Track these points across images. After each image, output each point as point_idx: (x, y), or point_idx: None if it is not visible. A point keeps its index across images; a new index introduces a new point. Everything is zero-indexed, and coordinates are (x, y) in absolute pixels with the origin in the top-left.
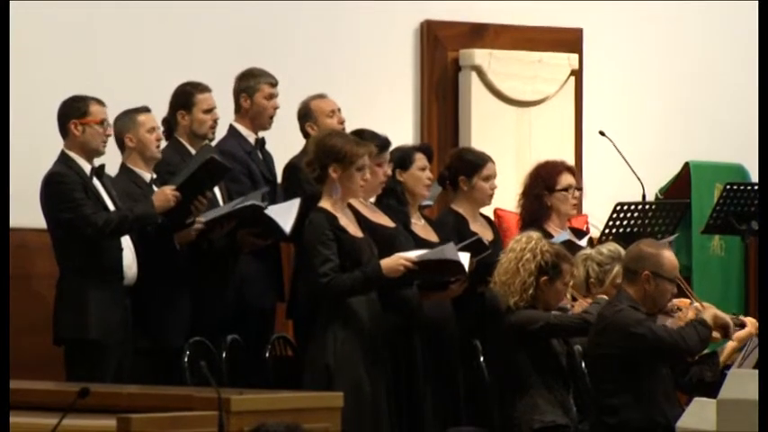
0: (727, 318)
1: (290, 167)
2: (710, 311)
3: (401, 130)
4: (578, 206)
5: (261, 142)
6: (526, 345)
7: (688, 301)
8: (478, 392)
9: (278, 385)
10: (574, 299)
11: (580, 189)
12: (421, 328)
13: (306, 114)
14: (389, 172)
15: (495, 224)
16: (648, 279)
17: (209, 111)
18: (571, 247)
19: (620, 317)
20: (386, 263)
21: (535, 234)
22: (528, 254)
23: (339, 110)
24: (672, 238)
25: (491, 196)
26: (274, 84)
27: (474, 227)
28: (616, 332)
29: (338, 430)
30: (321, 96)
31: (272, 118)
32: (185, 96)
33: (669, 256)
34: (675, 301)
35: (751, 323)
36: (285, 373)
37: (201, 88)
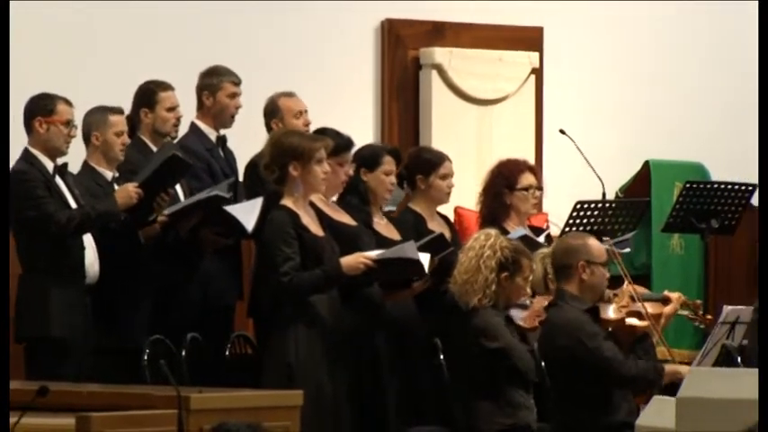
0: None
1: (252, 165)
2: (673, 369)
3: (362, 128)
4: (538, 206)
5: (222, 140)
6: (483, 353)
7: (618, 289)
8: (440, 392)
9: (238, 384)
10: (533, 294)
11: (541, 189)
12: (384, 326)
13: (273, 111)
14: (351, 172)
15: (452, 223)
16: (584, 268)
17: (172, 109)
18: (528, 242)
19: (570, 323)
20: (346, 261)
21: (493, 231)
22: (488, 251)
23: (306, 111)
24: (630, 234)
25: (448, 194)
26: (237, 83)
27: (432, 225)
28: (566, 336)
29: (298, 429)
30: (290, 95)
31: (233, 117)
32: (148, 94)
33: (594, 242)
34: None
35: (675, 298)
36: (245, 371)
37: (164, 86)
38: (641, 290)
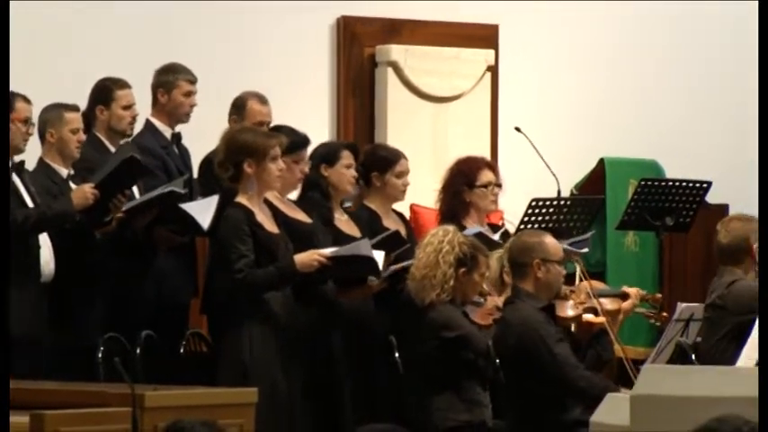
0: None
1: (207, 162)
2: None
3: (317, 126)
4: (496, 203)
5: (177, 137)
6: (441, 345)
7: (575, 285)
8: (395, 389)
9: (193, 381)
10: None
11: (500, 185)
12: (339, 323)
13: (239, 108)
14: (307, 170)
15: (407, 220)
16: (540, 266)
17: (128, 107)
18: (483, 240)
19: (525, 322)
20: (300, 258)
21: (450, 227)
22: (446, 246)
23: (269, 123)
24: (588, 235)
25: (403, 192)
26: (193, 81)
27: (387, 222)
28: (521, 335)
29: (252, 426)
30: (263, 101)
31: (188, 114)
32: (105, 92)
33: (552, 240)
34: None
35: (633, 293)
36: (200, 368)
37: (121, 84)
38: (600, 285)
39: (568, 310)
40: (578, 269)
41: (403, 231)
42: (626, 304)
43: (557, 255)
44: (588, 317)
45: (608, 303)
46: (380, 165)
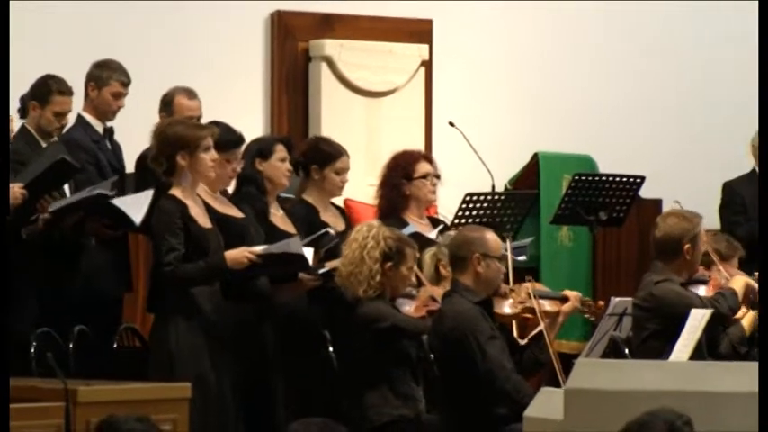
0: None
1: (144, 158)
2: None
3: (251, 120)
4: (435, 194)
5: (109, 132)
6: (374, 338)
7: (518, 284)
8: (328, 384)
9: (126, 376)
10: (419, 284)
11: (438, 176)
12: (272, 318)
13: (167, 104)
14: (239, 169)
15: (346, 214)
16: (479, 261)
17: (61, 115)
18: (420, 239)
19: (459, 316)
20: (230, 255)
21: (375, 222)
22: (371, 241)
23: (198, 118)
24: (528, 241)
25: (341, 189)
26: (126, 83)
27: (325, 216)
28: (455, 329)
29: (186, 421)
30: (191, 96)
31: (114, 113)
32: (44, 91)
33: (493, 236)
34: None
35: (573, 297)
36: (133, 363)
37: (62, 90)
38: (541, 287)
39: (507, 308)
40: (509, 267)
41: (342, 225)
42: (565, 307)
43: (497, 251)
44: (527, 317)
45: (548, 305)
46: (321, 159)
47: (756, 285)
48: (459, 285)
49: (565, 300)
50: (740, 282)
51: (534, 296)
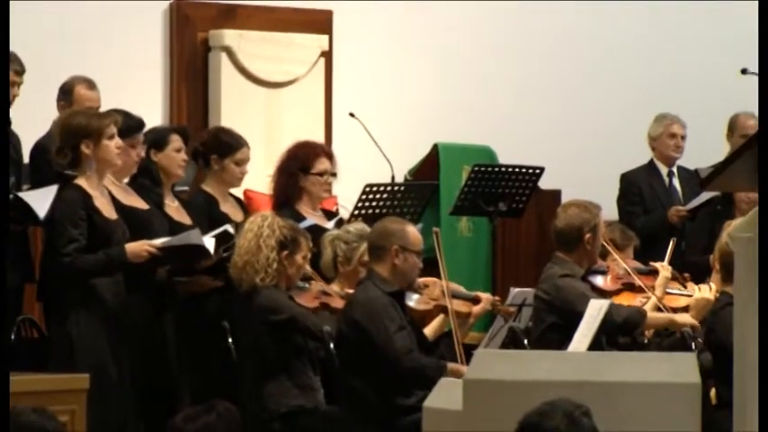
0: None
1: (38, 147)
2: (459, 369)
3: (151, 110)
4: (330, 191)
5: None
6: (272, 329)
7: (433, 279)
8: (228, 374)
9: (24, 367)
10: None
11: (334, 175)
12: (172, 309)
13: (66, 94)
14: (143, 153)
15: (245, 204)
16: (397, 253)
17: None
18: (317, 231)
19: (372, 303)
20: (130, 248)
21: (268, 212)
22: (266, 230)
23: (98, 108)
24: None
25: (240, 180)
26: (20, 72)
27: (224, 207)
28: (363, 315)
29: (84, 412)
30: (90, 86)
31: (10, 102)
32: None
33: (413, 230)
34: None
35: (485, 299)
36: (31, 354)
37: None
38: (455, 286)
39: (419, 303)
40: (440, 265)
41: (241, 216)
42: (476, 309)
43: (416, 245)
44: (438, 315)
45: (460, 305)
46: (221, 149)
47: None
48: (374, 275)
49: (477, 301)
50: (667, 317)
51: (447, 295)
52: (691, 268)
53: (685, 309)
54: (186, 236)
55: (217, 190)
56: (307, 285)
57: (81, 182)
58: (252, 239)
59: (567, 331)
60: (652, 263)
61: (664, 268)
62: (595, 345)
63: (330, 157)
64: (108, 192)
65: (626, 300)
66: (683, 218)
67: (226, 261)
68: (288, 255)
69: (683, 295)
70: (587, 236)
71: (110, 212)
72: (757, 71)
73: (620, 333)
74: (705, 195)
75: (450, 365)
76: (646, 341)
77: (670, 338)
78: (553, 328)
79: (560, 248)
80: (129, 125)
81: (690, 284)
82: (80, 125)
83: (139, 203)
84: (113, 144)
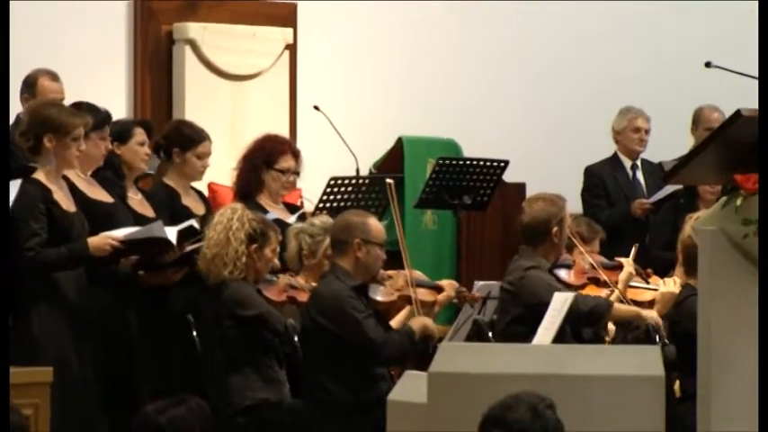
0: (434, 330)
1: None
2: (421, 321)
3: (114, 103)
4: (291, 188)
5: None
6: (239, 323)
7: (396, 271)
8: (192, 367)
9: None
10: (284, 270)
11: (297, 173)
12: (135, 302)
13: (30, 86)
14: (110, 146)
15: (207, 198)
16: (360, 246)
17: None
18: (279, 224)
19: (336, 295)
20: (93, 241)
21: (238, 205)
22: (236, 223)
23: (61, 101)
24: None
25: (201, 173)
26: None
27: (186, 201)
28: (329, 307)
29: (48, 406)
30: (54, 78)
31: None
32: None
33: (375, 223)
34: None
35: (449, 287)
36: None
37: None
38: (419, 275)
39: (383, 295)
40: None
41: (202, 210)
42: (441, 297)
43: (379, 238)
44: (402, 305)
45: (424, 294)
46: (183, 142)
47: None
48: (337, 268)
49: (440, 289)
50: (633, 310)
51: (412, 284)
52: (653, 262)
53: (651, 303)
54: (149, 229)
55: (178, 183)
56: (275, 279)
57: (39, 176)
58: (221, 232)
59: (533, 323)
60: (617, 258)
61: (628, 264)
62: (560, 337)
63: (296, 155)
64: (67, 185)
65: (590, 294)
66: (646, 211)
67: (192, 255)
68: (257, 248)
69: (648, 289)
70: (554, 229)
71: (68, 205)
72: (725, 65)
73: (586, 323)
74: (669, 188)
75: (415, 326)
76: (608, 339)
77: (634, 332)
78: (518, 320)
79: (527, 242)
80: (99, 118)
81: (653, 279)
82: (49, 117)
83: (104, 196)
84: (75, 147)
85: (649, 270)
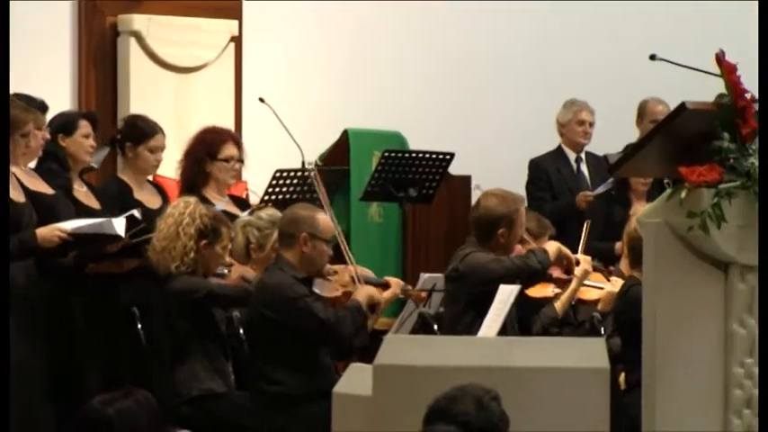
0: (379, 298)
1: None
2: (364, 292)
3: (58, 95)
4: (238, 177)
5: None
6: (187, 312)
7: (342, 266)
8: (138, 359)
9: None
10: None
11: (242, 161)
12: (81, 293)
13: None
14: (48, 136)
15: (164, 191)
16: (306, 241)
17: None
18: (227, 216)
19: (280, 285)
20: (41, 233)
21: (192, 199)
22: (187, 218)
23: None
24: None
25: (155, 167)
26: None
27: (139, 195)
28: (275, 297)
29: None
30: None
31: None
32: None
33: (324, 218)
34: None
35: (395, 284)
36: None
37: None
38: (365, 271)
39: (328, 290)
40: (344, 252)
41: (158, 202)
42: (387, 293)
43: (326, 233)
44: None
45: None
46: (135, 136)
47: (569, 253)
48: (282, 261)
49: (386, 286)
50: (553, 245)
51: (358, 280)
52: (589, 253)
53: (596, 302)
54: (99, 225)
55: (132, 178)
56: (226, 272)
57: None
58: (171, 225)
59: (481, 306)
60: (576, 255)
61: (585, 261)
62: (505, 331)
63: (238, 143)
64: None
65: (540, 290)
66: (590, 203)
67: (137, 246)
68: (207, 244)
69: (594, 287)
70: (501, 230)
71: (17, 196)
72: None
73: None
74: (612, 181)
75: (360, 298)
76: (556, 332)
77: (579, 329)
78: (464, 309)
79: (476, 236)
80: (36, 107)
81: (614, 279)
82: None
83: (45, 188)
84: (23, 143)
85: (612, 268)
